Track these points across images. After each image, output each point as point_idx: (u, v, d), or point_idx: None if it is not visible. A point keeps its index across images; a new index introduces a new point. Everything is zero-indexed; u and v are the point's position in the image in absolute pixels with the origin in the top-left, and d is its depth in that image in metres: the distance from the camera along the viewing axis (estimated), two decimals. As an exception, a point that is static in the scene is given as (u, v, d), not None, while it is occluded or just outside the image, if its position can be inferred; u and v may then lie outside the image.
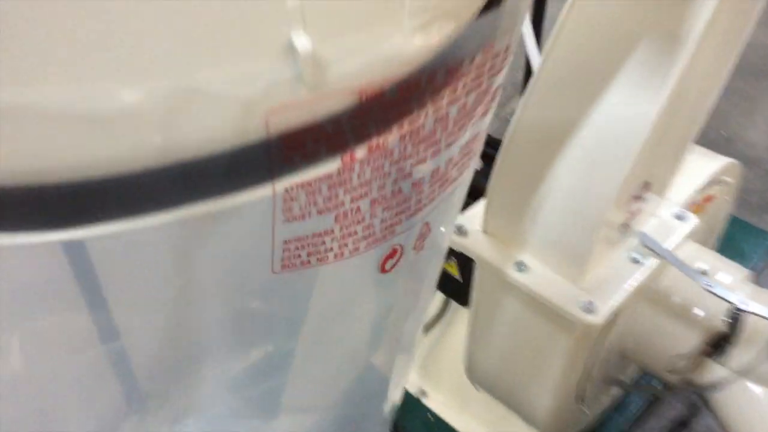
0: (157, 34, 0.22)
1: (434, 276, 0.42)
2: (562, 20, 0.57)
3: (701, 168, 0.81)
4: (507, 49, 0.32)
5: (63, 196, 0.24)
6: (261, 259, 0.30)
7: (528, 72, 1.22)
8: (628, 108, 0.57)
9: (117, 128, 0.23)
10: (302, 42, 0.24)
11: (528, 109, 0.62)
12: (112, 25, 0.21)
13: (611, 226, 0.66)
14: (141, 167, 0.24)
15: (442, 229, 0.38)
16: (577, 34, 0.57)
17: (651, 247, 0.67)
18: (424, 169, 0.32)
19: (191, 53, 0.23)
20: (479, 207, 0.72)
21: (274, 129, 0.25)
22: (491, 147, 0.60)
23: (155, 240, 0.26)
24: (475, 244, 0.71)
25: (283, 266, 0.30)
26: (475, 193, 0.60)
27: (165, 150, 0.24)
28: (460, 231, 0.71)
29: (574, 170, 0.62)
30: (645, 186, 0.65)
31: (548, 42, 0.59)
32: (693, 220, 0.71)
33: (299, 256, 0.30)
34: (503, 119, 1.56)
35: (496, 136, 0.71)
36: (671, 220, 0.71)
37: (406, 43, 0.27)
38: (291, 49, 0.24)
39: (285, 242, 0.29)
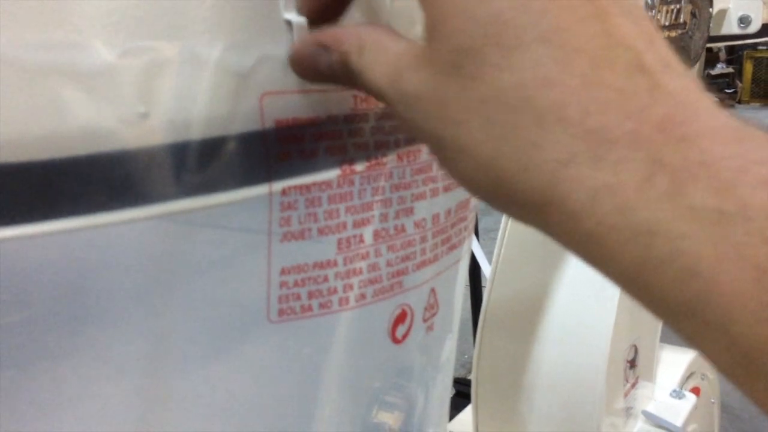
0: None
1: (447, 382, 0.35)
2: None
3: (677, 359, 0.79)
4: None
5: (24, 180, 0.21)
6: (254, 298, 0.25)
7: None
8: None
9: (96, 90, 0.21)
10: (297, 17, 0.24)
11: (497, 287, 0.60)
12: (105, -32, 0.20)
13: (614, 412, 0.60)
14: (119, 147, 0.21)
15: (449, 310, 0.33)
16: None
17: (660, 424, 0.60)
18: (424, 207, 0.29)
19: (186, 16, 0.22)
20: (467, 413, 0.65)
21: (269, 116, 0.24)
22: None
23: (128, 242, 0.22)
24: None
25: (281, 312, 0.25)
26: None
27: (148, 127, 0.22)
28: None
29: (559, 342, 0.58)
30: (633, 350, 0.62)
31: (504, 216, 0.60)
32: (692, 398, 0.66)
33: (299, 297, 0.25)
34: (464, 364, 1.51)
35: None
36: (671, 400, 0.66)
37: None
38: (287, 25, 0.24)
39: (282, 271, 0.25)
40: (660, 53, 0.18)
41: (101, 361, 0.23)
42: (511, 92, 0.18)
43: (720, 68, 7.15)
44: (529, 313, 0.59)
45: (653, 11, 0.51)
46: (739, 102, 7.25)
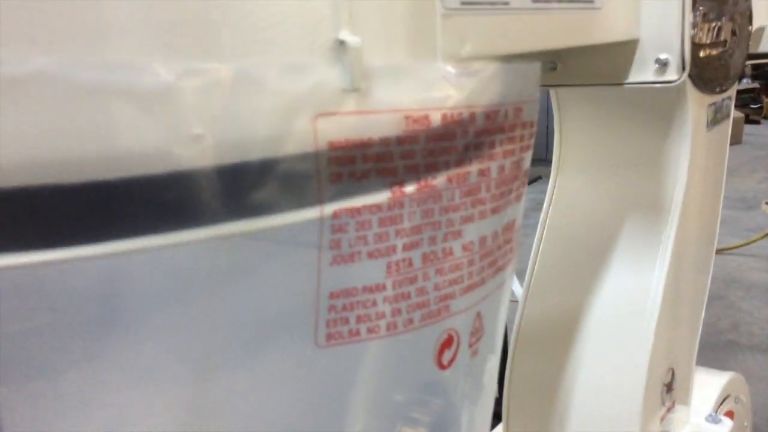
0: (207, 12, 0.21)
1: (489, 402, 0.34)
2: (546, 209, 0.59)
3: (712, 381, 0.77)
4: (532, 125, 0.32)
5: (77, 201, 0.20)
6: (303, 321, 0.24)
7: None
8: (635, 280, 0.55)
9: (153, 111, 0.20)
10: (351, 37, 0.23)
11: (530, 305, 0.60)
12: (165, -11, 0.20)
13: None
14: (175, 169, 0.21)
15: (493, 333, 0.32)
16: (564, 219, 0.58)
17: (696, 450, 0.59)
18: (473, 230, 0.28)
19: (242, 37, 0.22)
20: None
21: (322, 137, 0.23)
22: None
23: (181, 263, 0.21)
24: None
25: (329, 337, 0.25)
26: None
27: (203, 148, 0.21)
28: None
29: (594, 364, 0.57)
30: (670, 373, 0.60)
31: (537, 234, 0.60)
32: (728, 422, 0.64)
33: (347, 321, 0.25)
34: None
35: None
36: (706, 425, 0.64)
37: (444, 78, 0.27)
38: (341, 45, 0.23)
39: (331, 295, 0.24)
40: None
41: (136, 370, 0.23)
42: None
43: (746, 83, 7.06)
44: (564, 333, 0.58)
45: (695, 29, 0.50)
46: (765, 117, 7.15)
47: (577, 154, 0.59)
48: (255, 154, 0.22)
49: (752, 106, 6.87)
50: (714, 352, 1.95)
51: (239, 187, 0.22)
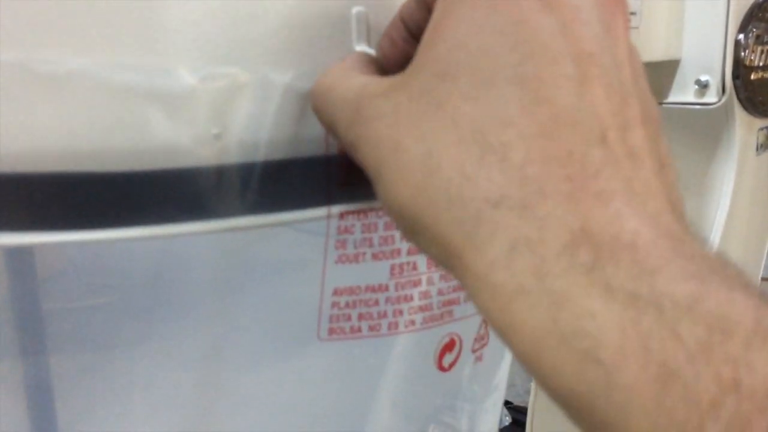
0: (234, 28, 0.23)
1: (497, 405, 0.35)
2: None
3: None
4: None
5: (106, 189, 0.22)
6: (306, 314, 0.26)
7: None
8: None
9: (176, 110, 0.22)
10: (367, 48, 0.25)
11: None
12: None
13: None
14: (193, 164, 0.23)
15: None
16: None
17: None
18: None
19: (257, 45, 0.23)
20: (520, 443, 0.64)
21: (333, 142, 0.25)
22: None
23: (196, 252, 0.23)
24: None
25: (331, 331, 0.26)
26: None
27: (221, 147, 0.23)
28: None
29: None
30: None
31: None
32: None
33: (349, 318, 0.26)
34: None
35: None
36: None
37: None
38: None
39: (335, 292, 0.26)
40: (630, 141, 0.17)
41: (169, 352, 0.25)
42: (467, 124, 0.17)
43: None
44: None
45: (745, 51, 0.49)
46: None
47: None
48: (268, 154, 0.24)
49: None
50: None
51: (251, 184, 0.24)
